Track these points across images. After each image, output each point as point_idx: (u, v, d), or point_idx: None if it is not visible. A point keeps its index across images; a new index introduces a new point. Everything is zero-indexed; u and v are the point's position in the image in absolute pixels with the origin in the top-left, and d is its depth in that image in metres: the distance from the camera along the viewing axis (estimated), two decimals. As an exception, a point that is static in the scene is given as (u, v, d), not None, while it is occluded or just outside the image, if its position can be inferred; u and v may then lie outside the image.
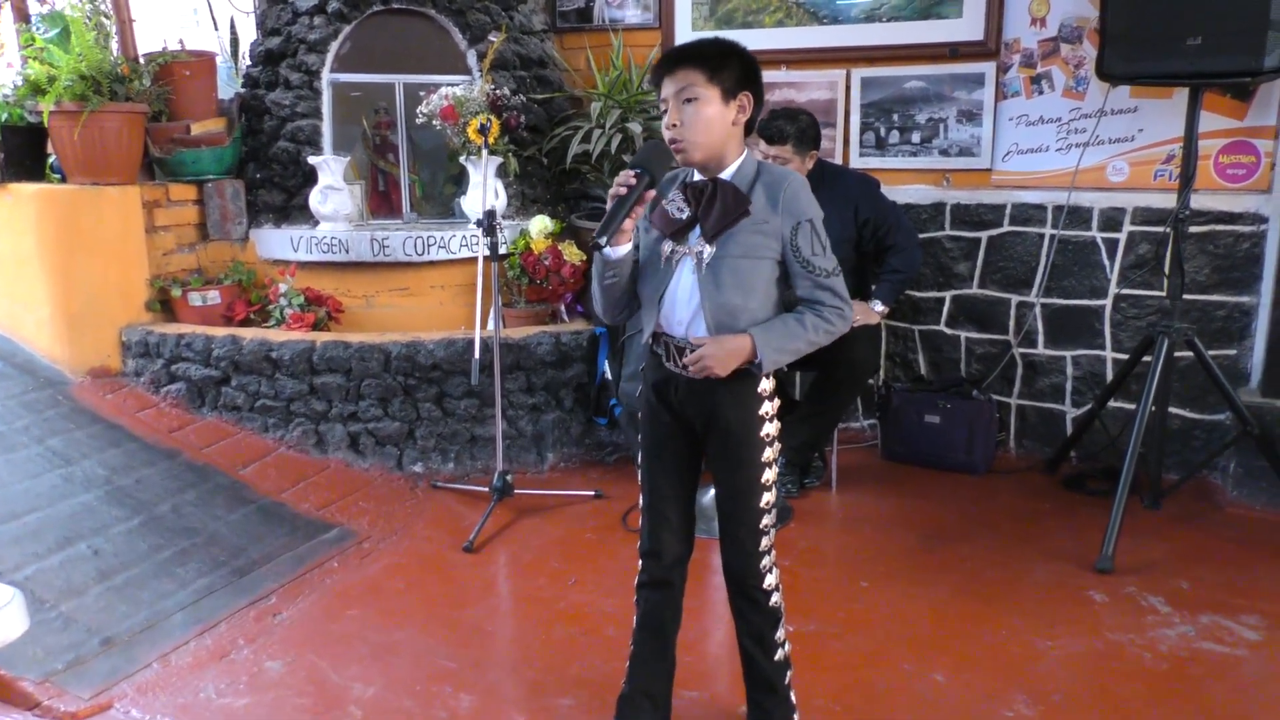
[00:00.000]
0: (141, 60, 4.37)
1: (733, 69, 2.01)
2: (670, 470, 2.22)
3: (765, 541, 2.16)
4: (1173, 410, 3.80)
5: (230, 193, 4.38)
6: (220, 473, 3.67)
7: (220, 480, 3.62)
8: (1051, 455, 4.07)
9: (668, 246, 2.09)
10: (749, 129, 2.08)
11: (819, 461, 4.00)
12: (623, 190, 2.00)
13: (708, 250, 2.03)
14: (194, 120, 4.38)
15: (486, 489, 3.69)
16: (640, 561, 2.29)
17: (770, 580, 2.19)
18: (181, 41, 4.51)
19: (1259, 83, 3.53)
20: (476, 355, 3.43)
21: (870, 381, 4.27)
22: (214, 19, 5.26)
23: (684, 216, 2.06)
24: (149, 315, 4.20)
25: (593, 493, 3.82)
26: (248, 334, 3.97)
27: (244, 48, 5.01)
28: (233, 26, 5.18)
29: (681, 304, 2.07)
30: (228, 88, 4.88)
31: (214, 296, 4.19)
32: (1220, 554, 3.32)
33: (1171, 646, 2.76)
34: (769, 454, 2.13)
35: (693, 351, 2.04)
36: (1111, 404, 3.87)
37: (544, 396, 4.05)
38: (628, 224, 2.03)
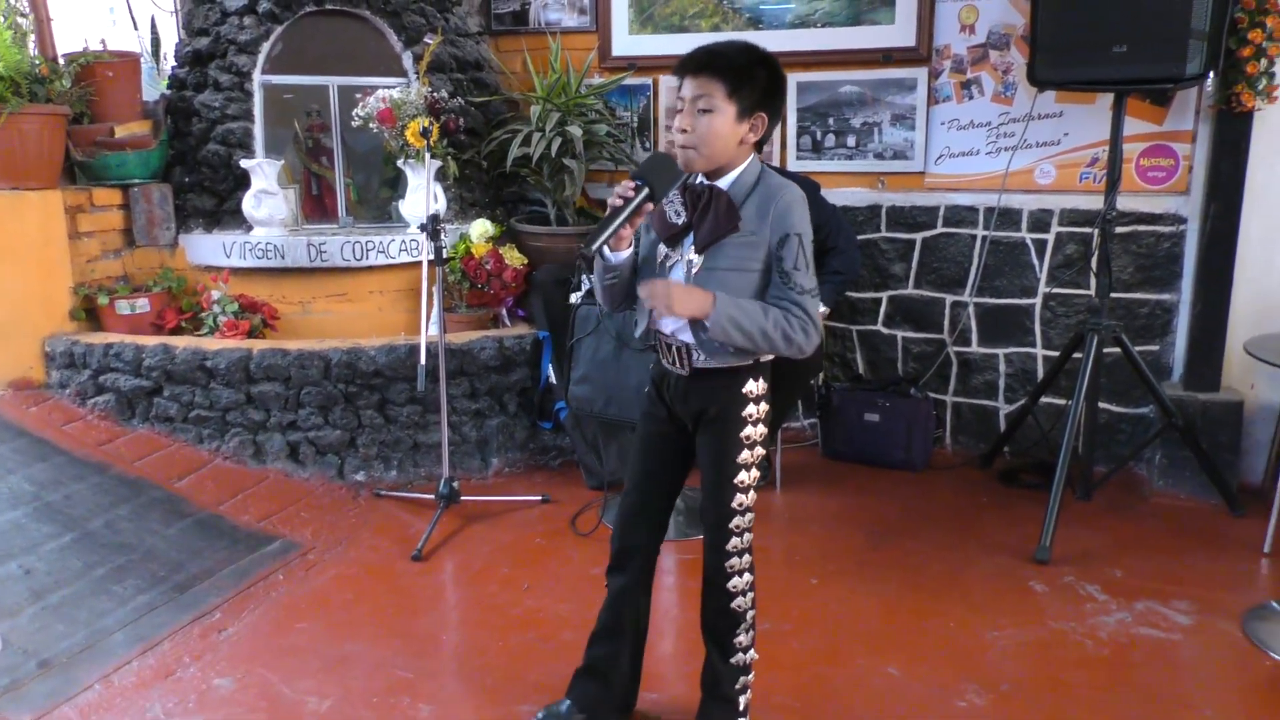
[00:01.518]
0: (62, 61, 4.22)
1: (755, 87, 2.01)
2: (653, 459, 2.27)
3: (736, 541, 2.19)
4: (1101, 405, 3.94)
5: (157, 197, 4.25)
6: (154, 486, 3.55)
7: (155, 494, 3.51)
8: (986, 451, 4.18)
9: (662, 251, 2.12)
10: (760, 146, 2.08)
11: (764, 461, 4.03)
12: (619, 202, 1.99)
13: (697, 260, 2.05)
14: (118, 123, 4.24)
15: (431, 496, 3.64)
16: (611, 546, 2.35)
17: (737, 582, 2.22)
18: (104, 42, 4.36)
19: (1177, 89, 3.68)
20: (423, 361, 3.38)
21: (811, 381, 4.32)
22: (133, 18, 5.09)
23: (680, 222, 2.08)
24: (74, 325, 4.05)
25: (540, 497, 3.80)
26: (180, 342, 3.86)
27: (166, 48, 4.87)
28: (154, 26, 5.02)
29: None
30: (150, 89, 4.73)
31: (143, 304, 4.05)
32: (1150, 542, 3.45)
33: (1111, 633, 2.87)
34: (748, 456, 2.15)
35: (688, 351, 2.09)
36: (1042, 399, 3.99)
37: (488, 401, 4.02)
38: (626, 231, 2.03)
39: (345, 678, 2.65)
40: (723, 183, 2.06)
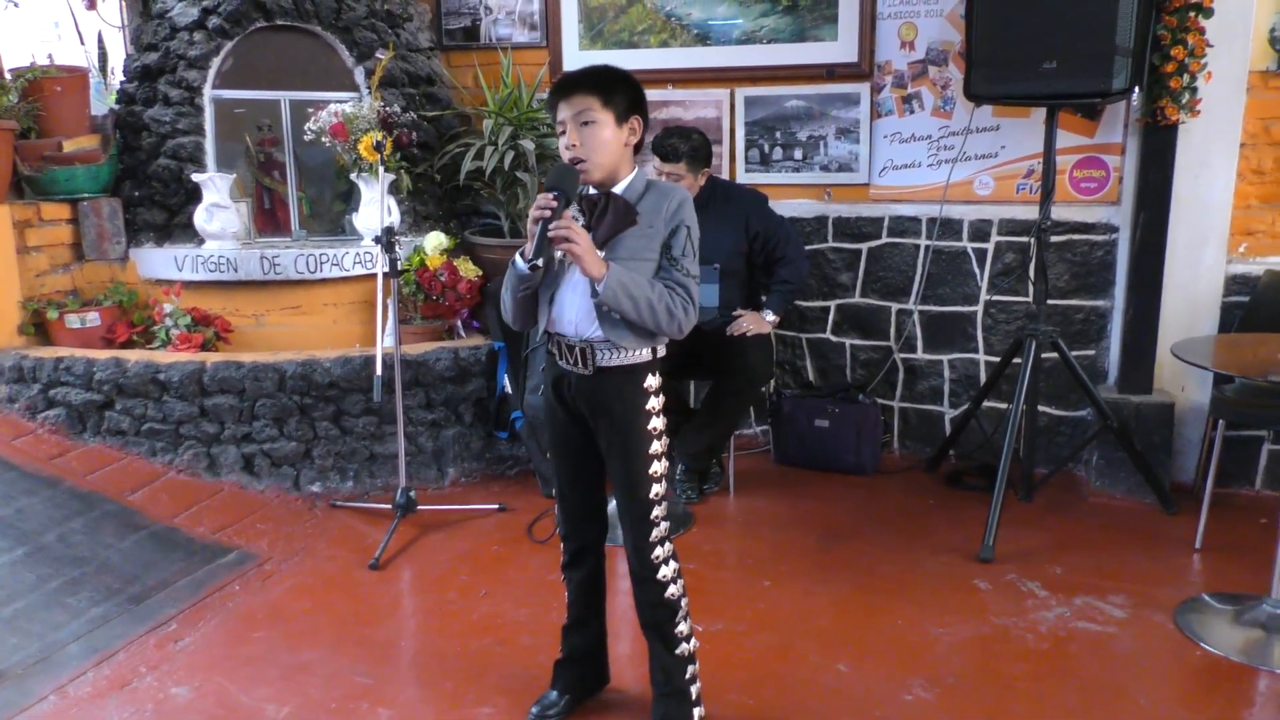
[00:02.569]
0: (8, 75, 4.19)
1: (624, 95, 2.20)
2: (572, 460, 2.39)
3: (657, 531, 2.29)
4: (1041, 408, 4.07)
5: (107, 211, 4.23)
6: (107, 499, 3.54)
7: (108, 507, 3.50)
8: (932, 454, 4.30)
9: (560, 252, 2.23)
10: (637, 149, 2.25)
11: (717, 468, 4.12)
12: (545, 212, 2.12)
13: (599, 254, 2.18)
14: (66, 137, 4.22)
15: (388, 506, 3.67)
16: (561, 544, 2.48)
17: (666, 571, 2.31)
18: (50, 57, 4.34)
19: (1106, 103, 3.83)
20: (379, 372, 3.41)
21: (762, 389, 4.41)
22: (80, 33, 5.07)
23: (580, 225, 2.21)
24: (23, 339, 4.02)
25: (496, 506, 3.84)
26: (132, 356, 3.85)
27: (114, 63, 4.85)
28: (100, 41, 5.01)
29: (570, 305, 2.22)
30: (98, 104, 4.71)
31: (93, 318, 4.03)
32: (1088, 540, 3.57)
33: (1050, 627, 2.97)
34: (656, 447, 2.27)
35: (591, 350, 2.19)
36: (985, 404, 4.12)
37: (443, 412, 4.05)
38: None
39: (303, 685, 2.67)
40: (616, 189, 2.22)
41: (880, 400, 4.38)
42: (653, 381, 2.27)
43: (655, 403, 2.27)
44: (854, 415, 4.20)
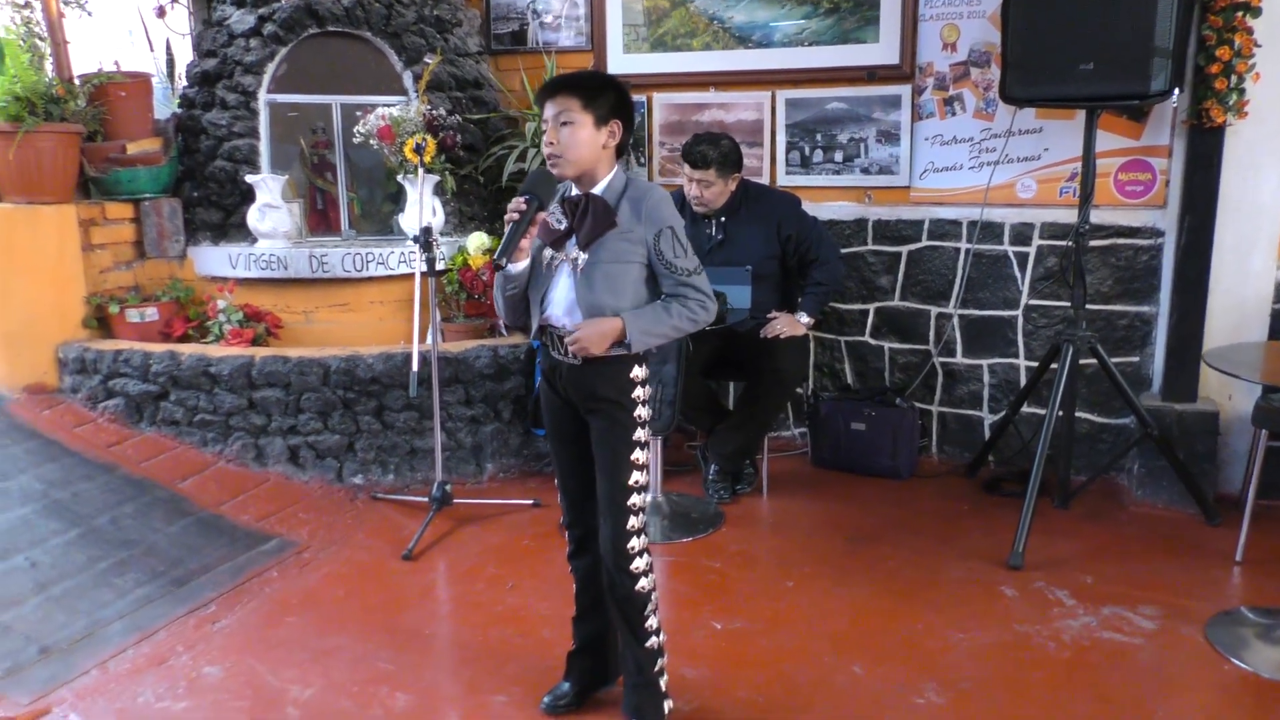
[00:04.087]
0: (77, 81, 4.40)
1: (607, 99, 2.25)
2: (568, 449, 2.46)
3: (634, 521, 2.34)
4: (1081, 415, 4.02)
5: (167, 211, 4.42)
6: (159, 486, 3.70)
7: (159, 493, 3.66)
8: (971, 460, 4.26)
9: (548, 253, 2.33)
10: (620, 151, 2.32)
11: (750, 468, 4.14)
12: (515, 215, 2.23)
13: (582, 257, 2.27)
14: (130, 140, 4.42)
15: (426, 499, 3.77)
16: (569, 534, 2.54)
17: (639, 564, 2.35)
18: (117, 63, 4.54)
19: (1151, 104, 3.76)
20: (414, 368, 3.51)
21: (800, 391, 4.42)
22: (149, 41, 5.29)
23: (562, 227, 2.31)
24: (86, 332, 4.22)
25: (531, 501, 3.92)
26: (186, 349, 4.02)
27: (180, 69, 5.05)
28: (169, 48, 5.22)
29: (560, 303, 2.31)
30: (164, 108, 4.92)
31: (152, 313, 4.22)
32: (1123, 550, 3.51)
33: (1074, 636, 2.93)
34: (640, 435, 2.34)
35: (570, 335, 2.26)
36: (1026, 409, 4.07)
37: (483, 409, 4.14)
38: (524, 243, 2.28)
39: (328, 668, 2.77)
40: (596, 190, 2.29)
41: (919, 404, 4.35)
42: (639, 372, 2.34)
43: (641, 393, 2.34)
44: (891, 419, 4.18)
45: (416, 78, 4.48)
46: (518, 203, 2.23)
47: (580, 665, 2.61)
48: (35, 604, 2.92)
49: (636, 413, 2.33)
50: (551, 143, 2.24)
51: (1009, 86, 3.55)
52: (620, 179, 2.31)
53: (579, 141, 2.22)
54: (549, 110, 2.24)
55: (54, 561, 3.12)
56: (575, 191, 2.31)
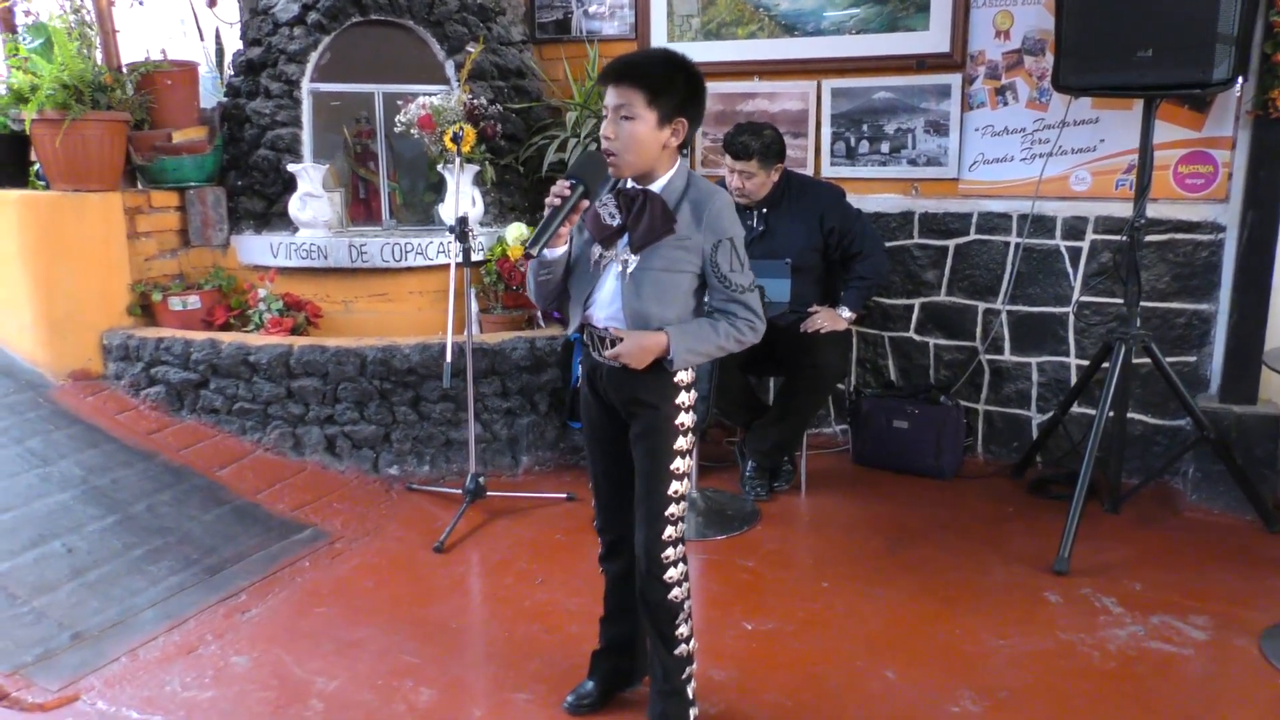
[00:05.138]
0: (124, 70, 4.45)
1: (675, 93, 2.09)
2: (605, 452, 2.37)
3: (671, 531, 2.24)
4: (1134, 416, 3.88)
5: (211, 200, 4.46)
6: (197, 474, 3.73)
7: (197, 481, 3.68)
8: (1018, 460, 4.13)
9: (596, 250, 2.20)
10: (684, 146, 2.18)
11: (789, 466, 4.06)
12: (557, 201, 2.10)
13: (633, 260, 2.14)
14: (176, 129, 4.45)
15: (460, 491, 3.75)
16: (601, 538, 2.46)
17: (673, 573, 2.26)
18: (164, 51, 4.58)
19: (1214, 94, 3.60)
20: (449, 359, 3.49)
21: (841, 387, 4.33)
22: (200, 30, 5.34)
23: (615, 224, 2.17)
24: (130, 319, 4.27)
25: (565, 495, 3.89)
26: (226, 338, 4.04)
27: (229, 58, 5.09)
28: (218, 37, 5.27)
29: (604, 305, 2.19)
30: (213, 97, 4.96)
31: (194, 301, 4.25)
32: (1175, 556, 3.38)
33: (1120, 646, 2.82)
34: (682, 443, 2.23)
35: (612, 343, 2.15)
36: (1076, 409, 3.94)
37: (519, 400, 4.11)
38: (564, 230, 2.14)
39: (354, 660, 2.76)
40: (654, 187, 2.15)
41: (964, 403, 4.23)
42: (684, 376, 2.22)
43: (686, 398, 2.23)
44: (935, 417, 4.07)
45: (458, 66, 4.46)
46: (561, 186, 2.09)
47: (605, 665, 2.56)
48: (69, 590, 2.94)
49: (679, 420, 2.22)
50: (610, 137, 2.10)
51: (1063, 74, 3.42)
52: (681, 177, 2.15)
53: (638, 140, 2.08)
54: (610, 98, 2.10)
55: (90, 548, 3.15)
56: (632, 184, 2.18)
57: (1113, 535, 3.54)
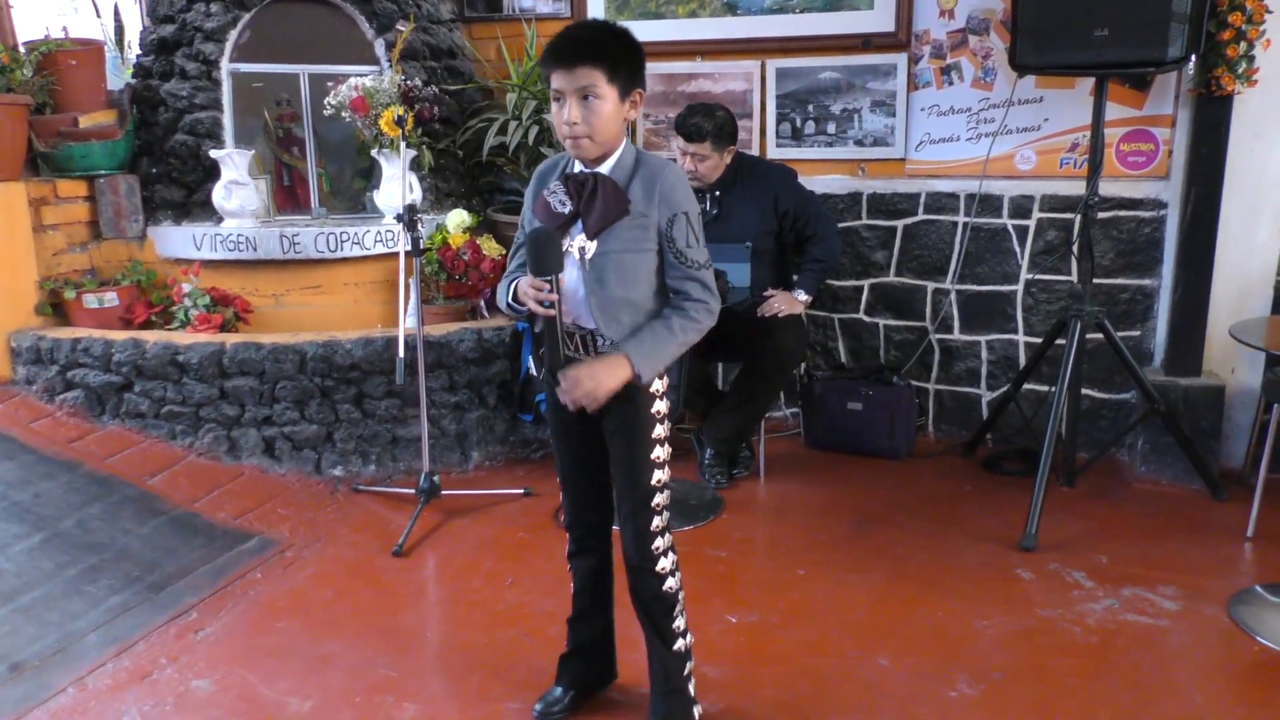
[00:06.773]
0: (22, 49, 4.10)
1: (628, 65, 2.02)
2: (574, 444, 2.27)
3: (658, 520, 2.17)
4: (1083, 391, 3.94)
5: (124, 189, 4.15)
6: (127, 483, 3.47)
7: (128, 491, 3.43)
8: (969, 438, 4.17)
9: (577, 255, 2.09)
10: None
11: (747, 452, 4.01)
12: (551, 311, 2.02)
13: (590, 246, 2.05)
14: (82, 113, 4.13)
15: (411, 491, 3.59)
16: (570, 533, 2.37)
17: (665, 563, 2.20)
18: (65, 30, 4.25)
19: (1156, 73, 3.67)
20: (401, 354, 3.32)
21: (793, 371, 4.29)
22: (96, 6, 4.98)
23: (566, 210, 2.07)
24: (40, 319, 3.95)
25: (522, 490, 3.76)
26: (151, 337, 3.77)
27: (130, 36, 4.76)
28: (116, 14, 4.91)
29: (568, 298, 2.08)
30: (115, 79, 4.62)
31: (111, 298, 3.96)
32: (1134, 528, 3.45)
33: (1099, 620, 2.85)
34: (660, 431, 2.15)
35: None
36: (1024, 386, 3.98)
37: (467, 394, 3.96)
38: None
39: (327, 678, 2.59)
40: (604, 168, 2.06)
41: (915, 382, 4.25)
42: None
43: (659, 385, 2.14)
44: (888, 398, 4.07)
45: (389, 46, 4.25)
46: (541, 292, 2.01)
47: (574, 668, 2.45)
48: (1, 616, 2.69)
49: (655, 408, 2.13)
50: (574, 121, 1.98)
51: (1020, 54, 3.42)
52: (630, 154, 2.07)
53: (605, 118, 1.98)
54: (564, 81, 1.97)
55: (19, 569, 2.89)
56: (579, 167, 2.08)
57: (1070, 509, 3.59)
